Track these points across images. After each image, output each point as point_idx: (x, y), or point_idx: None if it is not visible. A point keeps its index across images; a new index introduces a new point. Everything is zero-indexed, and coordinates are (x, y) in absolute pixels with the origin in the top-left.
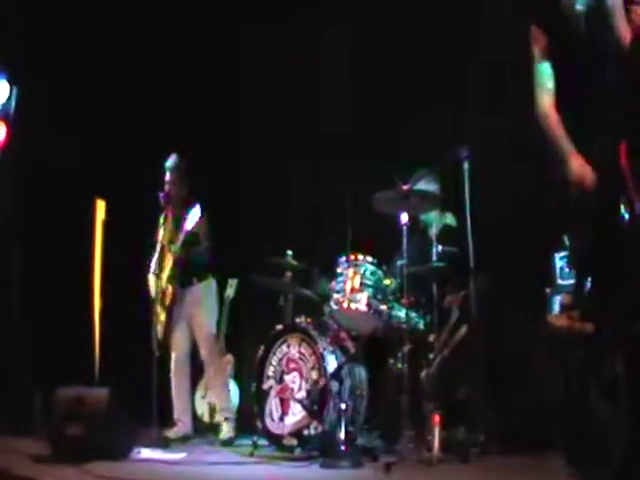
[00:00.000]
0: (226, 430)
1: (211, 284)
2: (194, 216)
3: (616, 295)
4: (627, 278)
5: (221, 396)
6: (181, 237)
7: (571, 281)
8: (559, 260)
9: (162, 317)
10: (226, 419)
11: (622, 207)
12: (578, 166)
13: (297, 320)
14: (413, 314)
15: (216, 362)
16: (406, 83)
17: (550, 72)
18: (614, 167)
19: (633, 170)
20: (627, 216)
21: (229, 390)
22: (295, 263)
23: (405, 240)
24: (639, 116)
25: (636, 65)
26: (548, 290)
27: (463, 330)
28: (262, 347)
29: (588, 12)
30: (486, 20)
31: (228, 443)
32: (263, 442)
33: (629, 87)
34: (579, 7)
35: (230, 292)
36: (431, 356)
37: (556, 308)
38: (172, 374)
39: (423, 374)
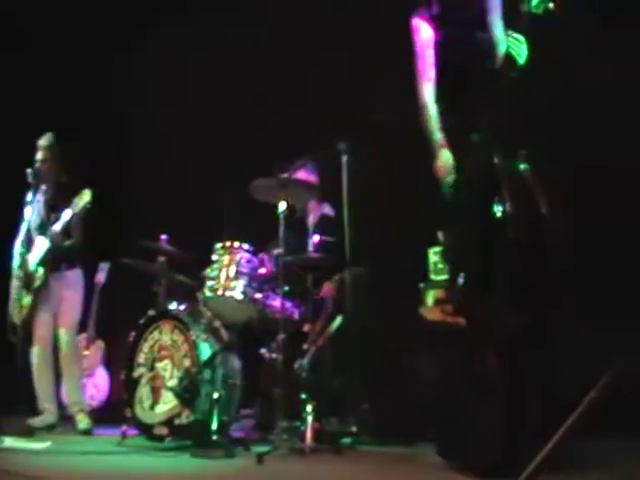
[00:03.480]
0: (82, 421)
1: (79, 271)
2: (76, 206)
3: (487, 290)
4: (498, 276)
5: (71, 389)
6: (58, 225)
7: (444, 277)
8: (433, 255)
9: (26, 300)
10: (80, 410)
11: (495, 204)
12: (441, 159)
13: (170, 306)
14: (288, 303)
15: (72, 352)
16: (289, 75)
17: (432, 62)
18: (488, 165)
19: (505, 170)
20: (499, 214)
21: (80, 381)
22: (169, 248)
23: (282, 229)
24: (509, 119)
25: (505, 79)
26: (422, 285)
27: (338, 321)
28: (133, 333)
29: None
30: (366, 14)
31: (88, 433)
32: (133, 431)
33: (500, 93)
34: None
35: (101, 276)
36: (305, 346)
37: (430, 302)
38: (34, 360)
39: (297, 364)
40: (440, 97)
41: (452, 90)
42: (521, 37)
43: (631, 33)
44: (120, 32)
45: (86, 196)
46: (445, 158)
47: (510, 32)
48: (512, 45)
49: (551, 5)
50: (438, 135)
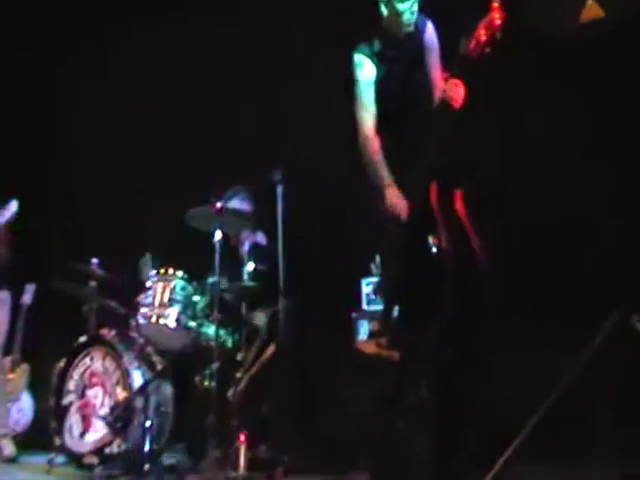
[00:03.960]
0: (7, 447)
1: (6, 292)
2: (2, 217)
3: (422, 325)
4: (432, 310)
5: None
6: None
7: (377, 307)
8: (366, 286)
9: None
10: (4, 435)
11: (430, 241)
12: (393, 197)
13: (102, 332)
14: (222, 332)
15: None
16: (224, 106)
17: (373, 97)
18: (425, 203)
19: (441, 208)
20: (434, 250)
21: (5, 405)
22: (101, 272)
23: (217, 257)
24: (445, 157)
25: (442, 122)
26: (354, 314)
27: (271, 349)
28: (63, 359)
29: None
30: (300, 49)
31: (12, 460)
32: (60, 459)
33: (437, 133)
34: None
35: (27, 297)
36: (239, 374)
37: (362, 332)
38: None
39: (230, 392)
40: (378, 133)
41: (389, 127)
42: (458, 80)
43: (565, 84)
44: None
45: (13, 207)
46: (393, 195)
47: (448, 74)
48: (449, 88)
49: (488, 50)
50: (384, 171)
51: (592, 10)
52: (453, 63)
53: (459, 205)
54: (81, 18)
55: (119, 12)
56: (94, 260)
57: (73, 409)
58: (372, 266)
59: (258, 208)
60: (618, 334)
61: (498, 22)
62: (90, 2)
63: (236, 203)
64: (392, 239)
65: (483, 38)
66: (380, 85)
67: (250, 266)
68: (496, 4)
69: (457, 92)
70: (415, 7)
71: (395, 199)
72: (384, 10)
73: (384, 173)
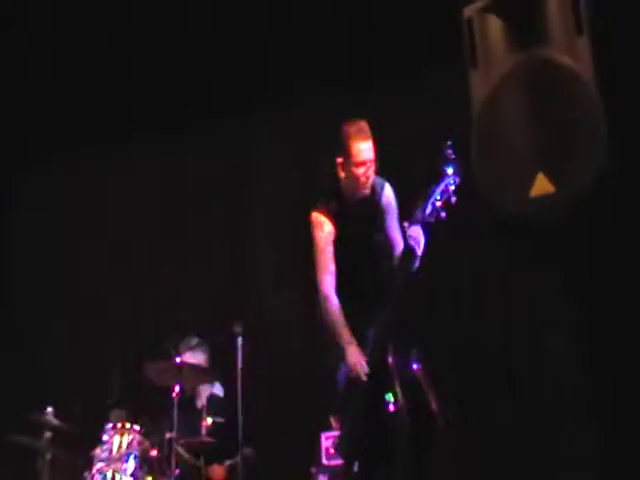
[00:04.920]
0: None
1: None
2: None
3: None
4: (389, 468)
5: None
6: None
7: (336, 462)
8: (325, 440)
9: None
10: None
11: (388, 400)
12: (354, 356)
13: None
14: None
15: None
16: (181, 254)
17: (331, 256)
18: (383, 361)
19: (397, 367)
20: (392, 407)
21: None
22: (56, 422)
23: (175, 411)
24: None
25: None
26: (314, 469)
27: None
28: None
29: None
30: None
31: None
32: None
33: (395, 293)
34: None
35: None
36: None
37: None
38: None
39: None
40: (337, 291)
41: (347, 287)
42: (419, 229)
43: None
44: None
45: None
46: (354, 354)
47: (408, 225)
48: (411, 237)
49: (443, 215)
50: (344, 330)
51: (542, 185)
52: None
53: (416, 366)
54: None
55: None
56: (49, 409)
57: None
58: (331, 420)
59: (216, 360)
60: None
61: (452, 187)
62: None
63: (190, 356)
64: (351, 395)
65: (438, 204)
66: (338, 244)
67: (208, 420)
68: (450, 171)
69: (418, 241)
70: (371, 171)
71: (355, 358)
72: (341, 173)
73: (344, 332)
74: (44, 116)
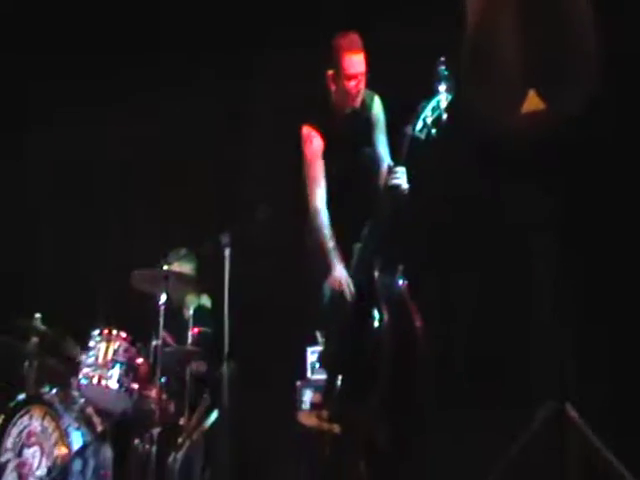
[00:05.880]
0: None
1: None
2: None
3: (362, 398)
4: (371, 384)
5: None
6: None
7: (321, 376)
8: (311, 354)
9: None
10: None
11: (373, 316)
12: (340, 272)
13: (41, 390)
14: (164, 396)
15: None
16: (172, 166)
17: (322, 169)
18: (368, 278)
19: (383, 283)
20: (376, 324)
21: None
22: (43, 328)
23: (161, 320)
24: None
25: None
26: (299, 383)
27: (213, 415)
28: (1, 416)
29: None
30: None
31: None
32: None
33: (381, 209)
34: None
35: None
36: (180, 440)
37: (306, 401)
38: None
39: (171, 458)
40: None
41: (335, 201)
42: (402, 168)
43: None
44: None
45: None
46: (339, 270)
47: (392, 164)
48: (394, 175)
49: (434, 131)
50: (331, 244)
51: (532, 102)
52: (399, 142)
53: (402, 283)
54: None
55: None
56: (37, 315)
57: (10, 467)
58: (317, 335)
59: (204, 271)
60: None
61: (444, 104)
62: None
63: (177, 265)
64: (336, 311)
65: (429, 120)
66: (328, 158)
67: (194, 329)
68: (442, 87)
69: (402, 179)
70: (362, 85)
71: (341, 273)
72: (332, 86)
73: (330, 247)
74: None
